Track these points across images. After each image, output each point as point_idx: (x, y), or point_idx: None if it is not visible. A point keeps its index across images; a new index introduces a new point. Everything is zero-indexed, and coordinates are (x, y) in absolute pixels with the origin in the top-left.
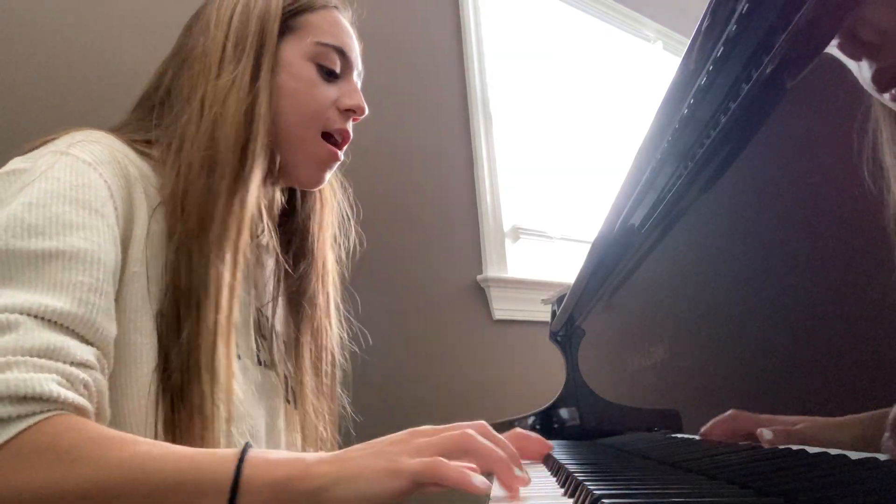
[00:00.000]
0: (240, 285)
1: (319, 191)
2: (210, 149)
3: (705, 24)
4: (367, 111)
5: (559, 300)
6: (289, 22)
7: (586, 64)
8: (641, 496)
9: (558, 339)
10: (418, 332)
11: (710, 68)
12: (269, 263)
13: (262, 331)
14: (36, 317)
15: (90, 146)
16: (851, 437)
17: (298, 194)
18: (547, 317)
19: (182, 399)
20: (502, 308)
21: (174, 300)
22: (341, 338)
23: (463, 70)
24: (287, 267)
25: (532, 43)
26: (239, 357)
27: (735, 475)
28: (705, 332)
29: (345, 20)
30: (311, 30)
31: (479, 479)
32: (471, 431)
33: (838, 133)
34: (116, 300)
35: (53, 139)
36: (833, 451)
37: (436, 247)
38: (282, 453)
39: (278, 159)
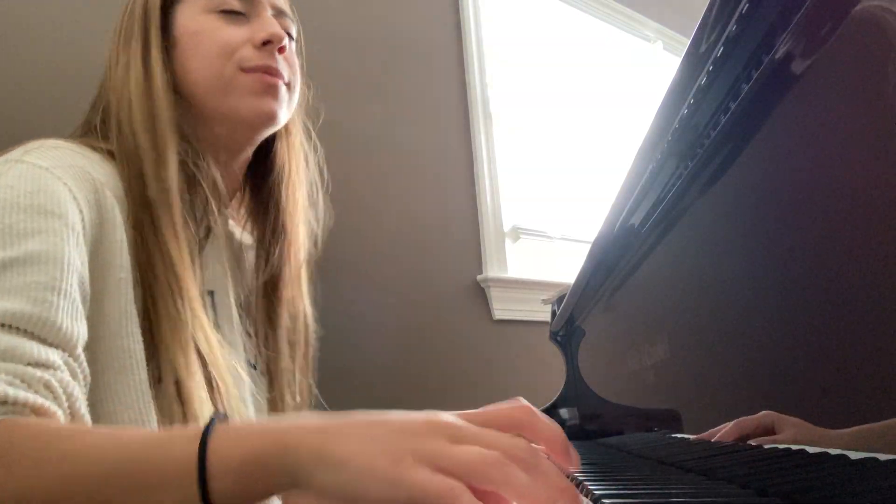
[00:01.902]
0: (188, 263)
1: (289, 160)
2: (126, 136)
3: (705, 24)
4: (285, 39)
5: (559, 300)
6: None
7: (586, 64)
8: (641, 496)
9: (558, 339)
10: (418, 332)
11: (710, 68)
12: (250, 257)
13: (248, 328)
14: None
15: (47, 152)
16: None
17: (270, 163)
18: (547, 317)
19: (161, 394)
20: (502, 308)
21: (141, 294)
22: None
23: (463, 70)
24: (262, 246)
25: (532, 43)
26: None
27: (735, 475)
28: (705, 332)
29: None
30: None
31: None
32: (502, 459)
33: (838, 133)
34: (103, 307)
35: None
36: (833, 451)
37: (436, 247)
38: (254, 421)
39: (216, 128)
